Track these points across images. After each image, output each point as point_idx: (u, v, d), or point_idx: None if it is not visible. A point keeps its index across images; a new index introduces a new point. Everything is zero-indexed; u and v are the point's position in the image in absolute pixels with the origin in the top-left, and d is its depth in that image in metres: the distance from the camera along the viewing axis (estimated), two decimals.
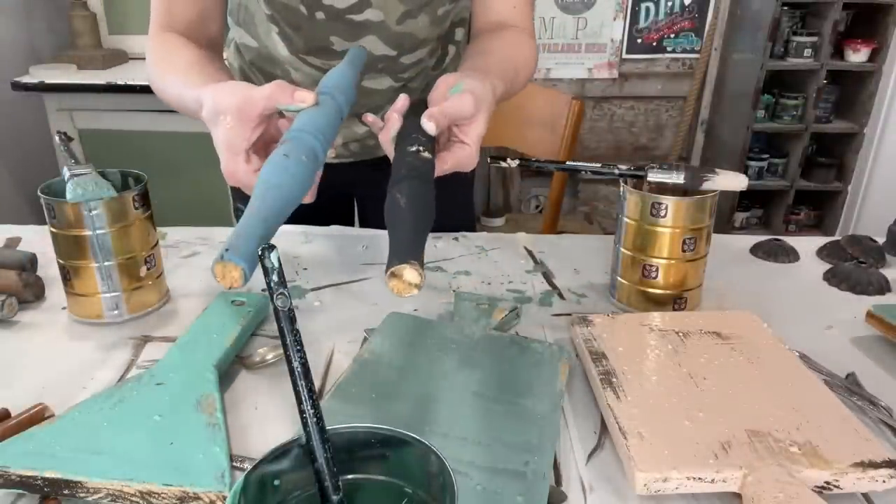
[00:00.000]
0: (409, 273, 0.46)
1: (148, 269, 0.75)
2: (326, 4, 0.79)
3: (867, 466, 0.50)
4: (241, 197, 1.08)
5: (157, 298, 0.77)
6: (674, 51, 2.59)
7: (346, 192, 1.10)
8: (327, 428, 0.39)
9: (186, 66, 0.76)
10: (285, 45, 0.85)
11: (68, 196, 0.71)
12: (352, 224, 1.10)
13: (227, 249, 0.50)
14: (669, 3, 2.52)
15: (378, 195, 1.05)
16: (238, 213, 1.10)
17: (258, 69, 0.92)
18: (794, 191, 2.75)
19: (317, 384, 0.63)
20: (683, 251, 0.73)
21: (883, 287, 0.82)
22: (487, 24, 0.85)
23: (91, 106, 2.05)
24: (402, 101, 0.65)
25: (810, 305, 0.79)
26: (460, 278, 0.85)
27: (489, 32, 0.84)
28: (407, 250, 0.46)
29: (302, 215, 1.01)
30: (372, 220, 1.08)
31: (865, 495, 0.51)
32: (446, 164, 0.63)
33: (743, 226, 2.90)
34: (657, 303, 0.75)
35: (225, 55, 0.99)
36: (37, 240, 0.88)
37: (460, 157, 0.64)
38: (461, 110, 0.62)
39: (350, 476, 0.41)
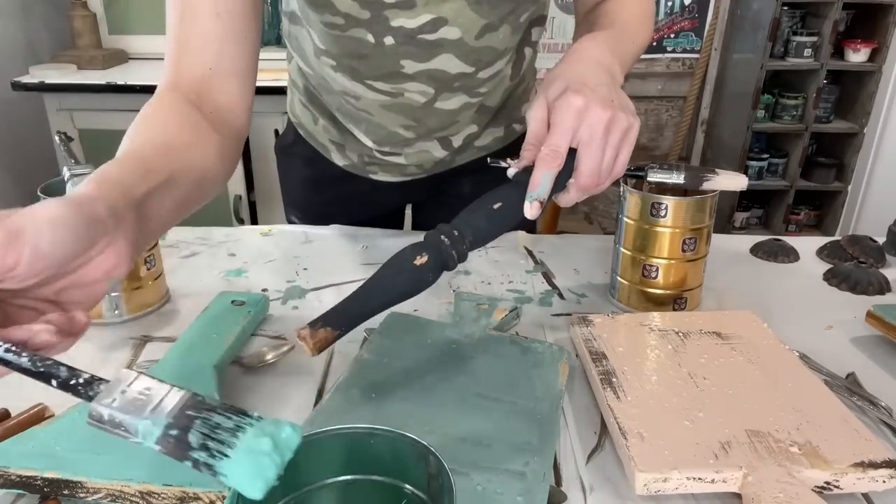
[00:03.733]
0: None
1: (148, 269, 0.75)
2: (395, 27, 0.72)
3: (867, 466, 0.50)
4: (291, 202, 1.04)
5: (157, 298, 0.77)
6: (674, 51, 2.58)
7: (406, 201, 1.08)
8: (327, 428, 0.39)
9: (125, 152, 0.55)
10: (347, 75, 0.79)
11: None
12: (401, 227, 1.06)
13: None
14: (669, 3, 2.52)
15: (435, 198, 1.03)
16: (290, 220, 1.06)
17: (317, 95, 0.88)
18: (794, 191, 2.75)
19: (317, 384, 0.63)
20: (683, 251, 0.73)
21: (883, 287, 0.82)
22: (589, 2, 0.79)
23: (91, 106, 2.05)
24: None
25: (810, 305, 0.79)
26: (460, 278, 0.84)
27: (596, 7, 0.77)
28: None
29: (353, 221, 0.99)
30: (426, 222, 1.03)
31: (865, 495, 0.51)
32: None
33: (743, 226, 2.90)
34: (657, 303, 0.75)
35: (288, 73, 0.94)
36: None
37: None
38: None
39: (350, 476, 0.41)
